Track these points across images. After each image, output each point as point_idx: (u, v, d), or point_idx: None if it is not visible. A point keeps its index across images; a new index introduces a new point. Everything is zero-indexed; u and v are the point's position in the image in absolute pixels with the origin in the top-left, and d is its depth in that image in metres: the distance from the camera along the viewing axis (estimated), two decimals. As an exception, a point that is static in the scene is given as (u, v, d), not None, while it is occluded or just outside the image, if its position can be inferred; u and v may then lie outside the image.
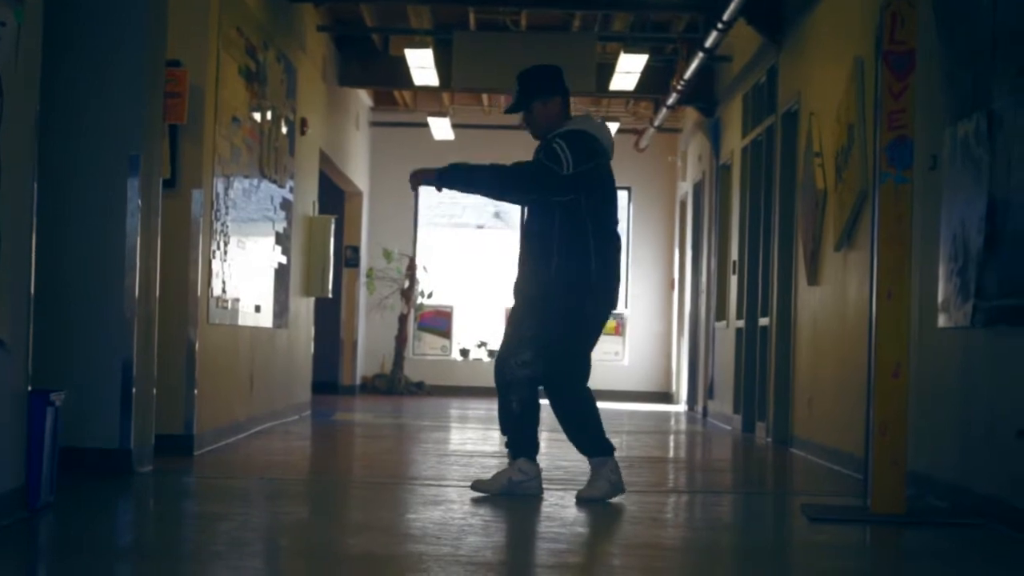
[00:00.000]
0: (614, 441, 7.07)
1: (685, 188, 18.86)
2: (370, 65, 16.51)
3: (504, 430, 7.08)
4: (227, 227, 9.73)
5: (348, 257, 19.15)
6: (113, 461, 7.37)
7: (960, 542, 5.95)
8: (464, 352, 20.72)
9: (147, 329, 7.65)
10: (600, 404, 7.09)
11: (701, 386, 16.44)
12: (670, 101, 15.47)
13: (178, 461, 8.27)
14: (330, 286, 14.04)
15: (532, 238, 6.99)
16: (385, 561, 5.03)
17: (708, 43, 12.51)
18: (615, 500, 6.88)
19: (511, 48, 14.42)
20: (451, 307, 20.77)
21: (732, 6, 11.23)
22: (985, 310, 6.40)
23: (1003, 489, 6.21)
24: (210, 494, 7.30)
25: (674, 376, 19.94)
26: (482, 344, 20.61)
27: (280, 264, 11.94)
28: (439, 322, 20.78)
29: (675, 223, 20.14)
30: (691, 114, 17.56)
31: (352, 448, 10.75)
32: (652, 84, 15.95)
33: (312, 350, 14.11)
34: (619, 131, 18.74)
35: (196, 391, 8.88)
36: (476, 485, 7.05)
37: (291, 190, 12.24)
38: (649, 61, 14.69)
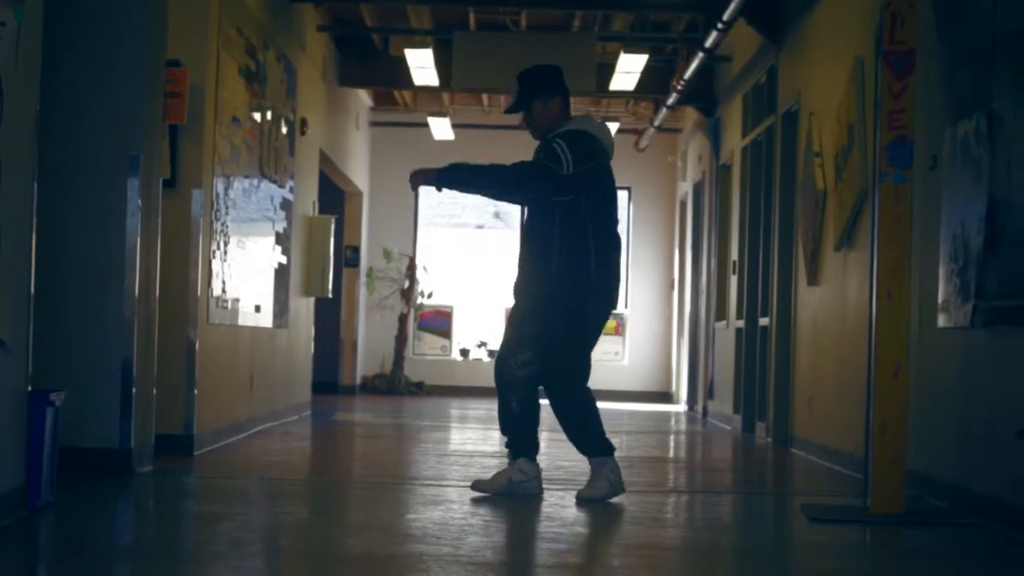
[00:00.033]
0: (614, 441, 7.07)
1: (685, 188, 18.86)
2: (370, 65, 16.51)
3: (504, 430, 7.08)
4: (227, 227, 9.73)
5: (348, 257, 19.15)
6: (113, 461, 7.37)
7: (960, 542, 5.95)
8: (464, 352, 20.73)
9: (147, 329, 7.65)
10: (600, 404, 7.09)
11: (701, 386, 16.44)
12: (670, 101, 15.48)
13: (178, 461, 8.27)
14: (330, 286, 14.04)
15: (532, 238, 6.99)
16: (385, 561, 5.03)
17: (708, 43, 12.51)
18: (615, 500, 6.88)
19: (511, 48, 14.42)
20: (451, 307, 20.78)
21: (732, 6, 11.23)
22: (985, 310, 6.40)
23: (1003, 489, 6.22)
24: (210, 494, 7.30)
25: (674, 376, 19.94)
26: (482, 344, 20.61)
27: (280, 264, 11.94)
28: (439, 322, 20.78)
29: (675, 223, 20.14)
30: (691, 114, 17.56)
31: (352, 448, 10.75)
32: (652, 84, 15.95)
33: (312, 350, 14.11)
34: (619, 131, 18.74)
35: (196, 391, 8.88)
36: (476, 485, 7.05)
37: (291, 190, 12.24)
38: (649, 61, 14.69)
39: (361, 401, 17.61)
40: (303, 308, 13.49)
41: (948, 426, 7.03)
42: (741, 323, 13.49)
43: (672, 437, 12.89)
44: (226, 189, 9.65)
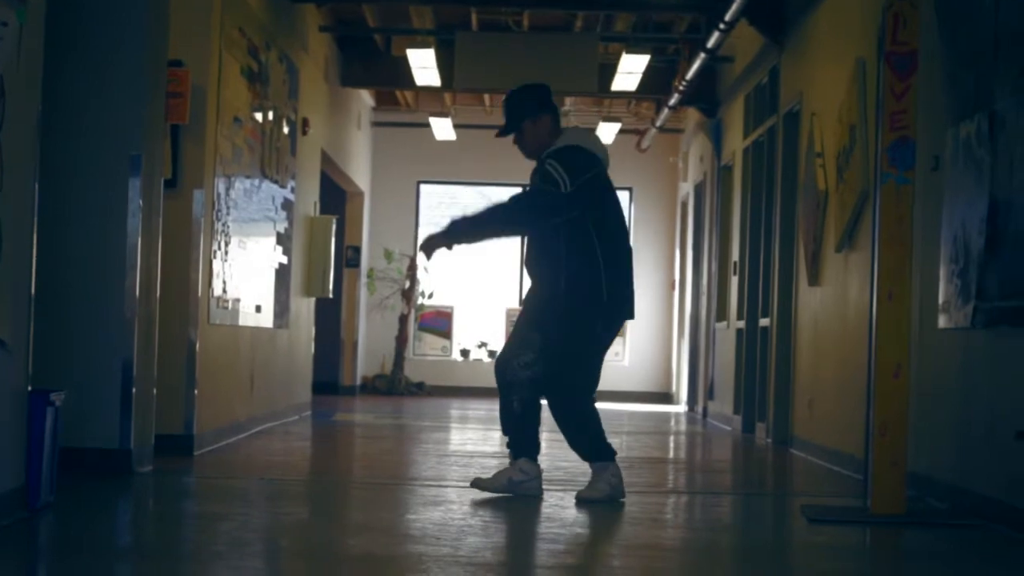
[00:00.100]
0: (614, 442, 7.06)
1: (686, 189, 18.86)
2: (372, 65, 16.51)
3: (505, 430, 7.08)
4: (228, 227, 9.74)
5: (349, 257, 19.15)
6: (113, 461, 7.37)
7: (960, 543, 5.95)
8: (464, 352, 20.72)
9: (147, 329, 7.65)
10: (600, 405, 7.09)
11: (701, 387, 16.43)
12: (672, 102, 15.48)
13: (178, 461, 8.27)
14: (331, 286, 14.04)
15: (541, 257, 6.97)
16: (385, 562, 5.03)
17: (710, 44, 12.51)
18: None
19: (513, 48, 14.43)
20: (451, 307, 20.77)
21: (734, 7, 11.23)
22: (986, 311, 6.40)
23: (1003, 490, 6.21)
24: (210, 494, 7.30)
25: (674, 377, 19.94)
26: (482, 345, 20.60)
27: (281, 264, 11.94)
28: (439, 322, 20.78)
29: (676, 224, 20.14)
30: (693, 115, 17.56)
31: (352, 449, 10.75)
32: (654, 84, 15.96)
33: (312, 350, 14.11)
34: (621, 131, 18.76)
35: (196, 391, 8.88)
36: (476, 483, 7.05)
37: (292, 190, 12.24)
38: (651, 61, 14.69)
39: (361, 401, 17.61)
40: (304, 308, 13.49)
41: (948, 427, 7.03)
42: (742, 324, 13.49)
43: (672, 438, 12.89)
44: (227, 189, 9.65)
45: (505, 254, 20.25)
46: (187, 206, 8.90)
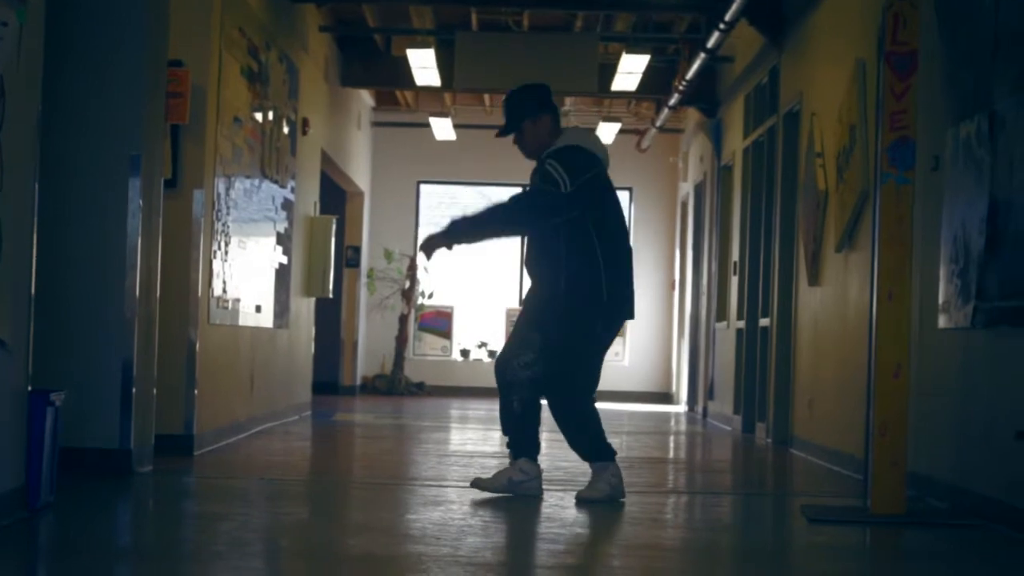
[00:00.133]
0: (614, 442, 7.06)
1: (686, 189, 18.86)
2: (372, 65, 16.51)
3: (505, 430, 7.08)
4: (228, 227, 9.74)
5: (349, 257, 19.15)
6: (113, 461, 7.37)
7: (959, 543, 5.95)
8: (464, 353, 20.72)
9: (148, 329, 7.65)
10: (600, 405, 7.09)
11: (701, 387, 16.44)
12: (672, 102, 15.48)
13: (178, 461, 8.27)
14: (331, 286, 14.04)
15: (541, 257, 6.97)
16: (385, 562, 5.03)
17: (710, 44, 12.51)
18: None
19: (513, 49, 14.43)
20: (451, 307, 20.77)
21: (734, 7, 11.23)
22: (986, 311, 6.40)
23: (1002, 490, 6.21)
24: (210, 494, 7.30)
25: (674, 377, 19.94)
26: (482, 345, 20.60)
27: (281, 264, 11.94)
28: (439, 322, 20.78)
29: (676, 224, 20.14)
30: (693, 115, 17.56)
31: (352, 449, 10.75)
32: (654, 84, 15.96)
33: (312, 350, 14.11)
34: (621, 131, 18.76)
35: (196, 391, 8.88)
36: (476, 483, 7.05)
37: (292, 190, 12.24)
38: (651, 61, 14.69)
39: (361, 401, 17.61)
40: (304, 308, 13.49)
41: (948, 427, 7.03)
42: (742, 324, 13.49)
43: (672, 438, 12.89)
44: (227, 189, 9.65)
45: (505, 254, 20.25)
46: (187, 206, 8.90)
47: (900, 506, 6.38)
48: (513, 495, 6.90)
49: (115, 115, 7.44)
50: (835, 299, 9.64)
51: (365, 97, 18.64)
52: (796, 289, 11.15)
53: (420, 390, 19.91)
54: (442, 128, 18.88)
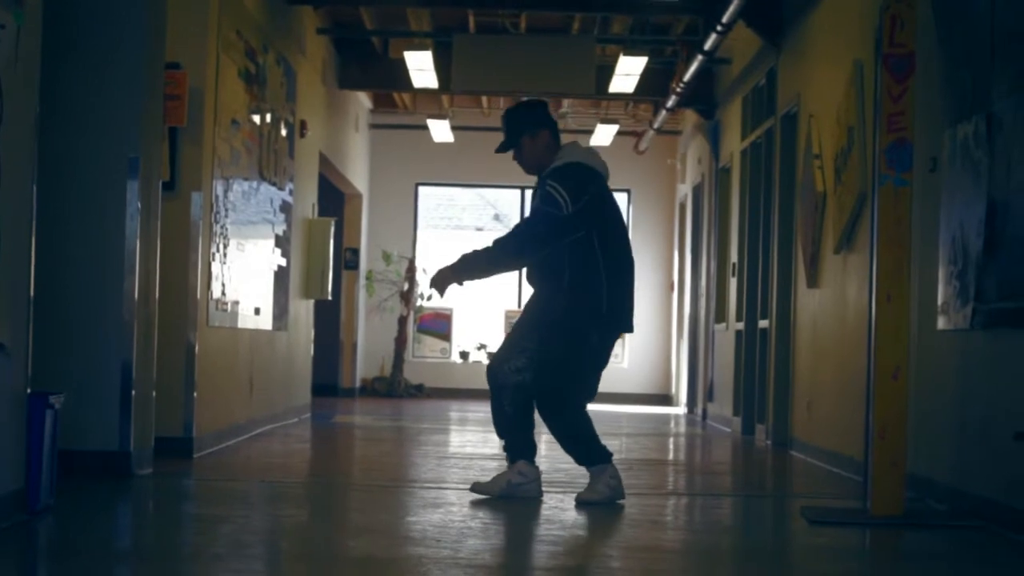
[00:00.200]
0: (613, 444, 7.06)
1: (684, 190, 18.86)
2: (369, 67, 16.51)
3: (500, 433, 7.10)
4: (227, 230, 9.74)
5: (347, 259, 19.15)
6: (112, 464, 7.37)
7: (959, 544, 5.95)
8: (464, 354, 20.73)
9: (146, 331, 7.65)
10: (599, 407, 7.10)
11: (701, 388, 16.44)
12: (669, 103, 15.48)
13: (177, 464, 8.27)
14: (330, 288, 14.04)
15: (543, 267, 6.97)
16: (385, 564, 5.03)
17: (707, 45, 12.51)
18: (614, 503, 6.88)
19: (510, 51, 14.43)
20: (450, 309, 20.77)
21: (731, 8, 11.23)
22: (984, 312, 6.40)
23: (1002, 491, 6.22)
24: (210, 497, 7.30)
25: (674, 378, 19.94)
26: (482, 346, 20.61)
27: (280, 266, 11.94)
28: (439, 324, 20.78)
29: (675, 225, 20.14)
30: (691, 116, 17.57)
31: (352, 451, 10.75)
32: (651, 86, 15.96)
33: (312, 352, 14.11)
34: (618, 133, 18.76)
35: (195, 394, 8.88)
36: (475, 487, 7.05)
37: (291, 192, 12.24)
38: (648, 63, 14.69)
39: (361, 403, 17.61)
40: (303, 310, 13.49)
41: (947, 428, 7.03)
42: (741, 325, 13.49)
43: (671, 439, 12.89)
44: (225, 191, 9.66)
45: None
46: (185, 208, 8.90)
47: (899, 507, 6.38)
48: (512, 498, 6.90)
49: (113, 117, 7.45)
50: (834, 301, 9.64)
51: (363, 99, 18.64)
52: (795, 291, 11.15)
53: (419, 392, 19.91)
54: (440, 130, 18.89)
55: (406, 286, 19.98)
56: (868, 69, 8.42)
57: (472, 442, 11.38)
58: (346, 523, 6.44)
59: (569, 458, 7.10)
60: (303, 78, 13.02)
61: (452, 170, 20.52)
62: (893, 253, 6.42)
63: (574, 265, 6.87)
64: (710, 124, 15.79)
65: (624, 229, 7.11)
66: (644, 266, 20.30)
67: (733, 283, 14.14)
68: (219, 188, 9.44)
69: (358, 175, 18.66)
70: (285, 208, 12.01)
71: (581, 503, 6.83)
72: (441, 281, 7.01)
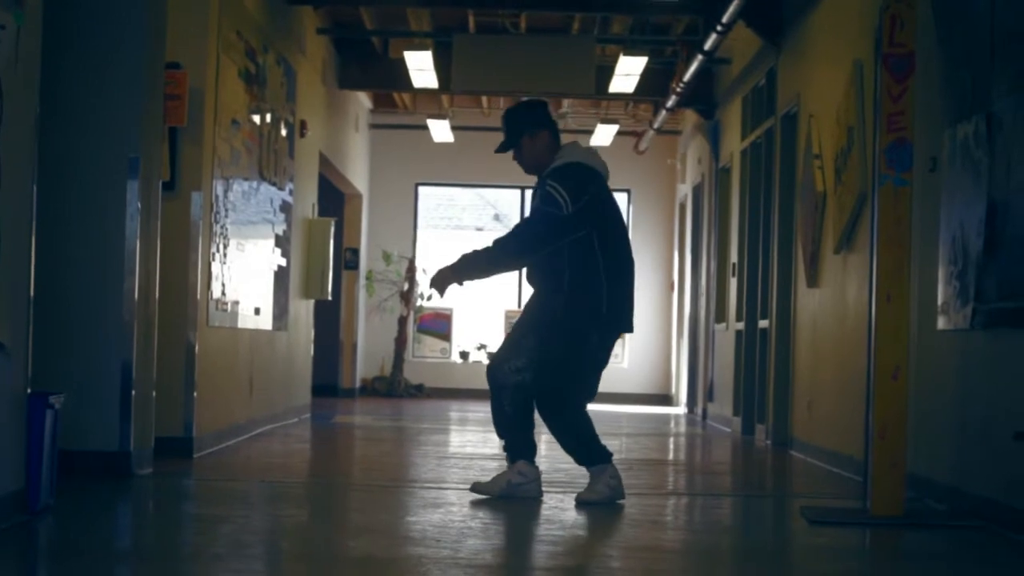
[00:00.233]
0: (613, 444, 7.06)
1: (684, 190, 18.86)
2: (369, 68, 16.52)
3: (499, 433, 7.10)
4: (227, 230, 9.74)
5: (348, 259, 19.15)
6: (113, 464, 7.37)
7: (959, 544, 5.95)
8: (464, 354, 20.73)
9: (147, 332, 7.65)
10: (599, 407, 7.09)
11: (701, 388, 16.44)
12: (669, 103, 15.48)
13: (178, 464, 8.27)
14: (330, 288, 14.05)
15: (543, 267, 6.97)
16: (385, 564, 5.03)
17: (707, 45, 12.51)
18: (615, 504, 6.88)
19: (510, 51, 14.43)
20: (451, 309, 20.77)
21: (731, 8, 11.23)
22: (984, 312, 6.40)
23: (1001, 491, 6.22)
24: (210, 497, 7.30)
25: (674, 378, 19.94)
26: (482, 346, 20.61)
27: (280, 266, 11.94)
28: (439, 324, 20.78)
29: (675, 225, 20.15)
30: (690, 116, 17.57)
31: (352, 451, 10.75)
32: (651, 86, 15.96)
33: (312, 352, 14.11)
34: (618, 133, 18.76)
35: (196, 394, 8.88)
36: (476, 487, 7.05)
37: (291, 192, 12.25)
38: (648, 63, 14.69)
39: (361, 403, 17.61)
40: (303, 310, 13.49)
41: (947, 428, 7.03)
42: (741, 325, 13.49)
43: (672, 439, 12.89)
44: (225, 192, 9.66)
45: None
46: (185, 208, 8.90)
47: (899, 507, 6.38)
48: (513, 497, 6.90)
49: (113, 117, 7.45)
50: (834, 301, 9.64)
51: (363, 99, 18.64)
52: (795, 291, 11.15)
53: (419, 392, 19.91)
54: (440, 130, 18.89)
55: (406, 286, 19.98)
56: (868, 69, 8.42)
57: (472, 442, 11.38)
58: (346, 523, 6.44)
59: (569, 458, 7.10)
60: (303, 78, 13.02)
61: (452, 170, 20.52)
62: (893, 253, 6.42)
63: (574, 265, 6.87)
64: (710, 124, 15.79)
65: (624, 229, 7.11)
66: (644, 266, 20.30)
67: (733, 283, 14.14)
68: (219, 188, 9.44)
69: (358, 175, 18.67)
70: (285, 208, 12.01)
71: (581, 503, 6.83)
72: (441, 281, 7.01)
